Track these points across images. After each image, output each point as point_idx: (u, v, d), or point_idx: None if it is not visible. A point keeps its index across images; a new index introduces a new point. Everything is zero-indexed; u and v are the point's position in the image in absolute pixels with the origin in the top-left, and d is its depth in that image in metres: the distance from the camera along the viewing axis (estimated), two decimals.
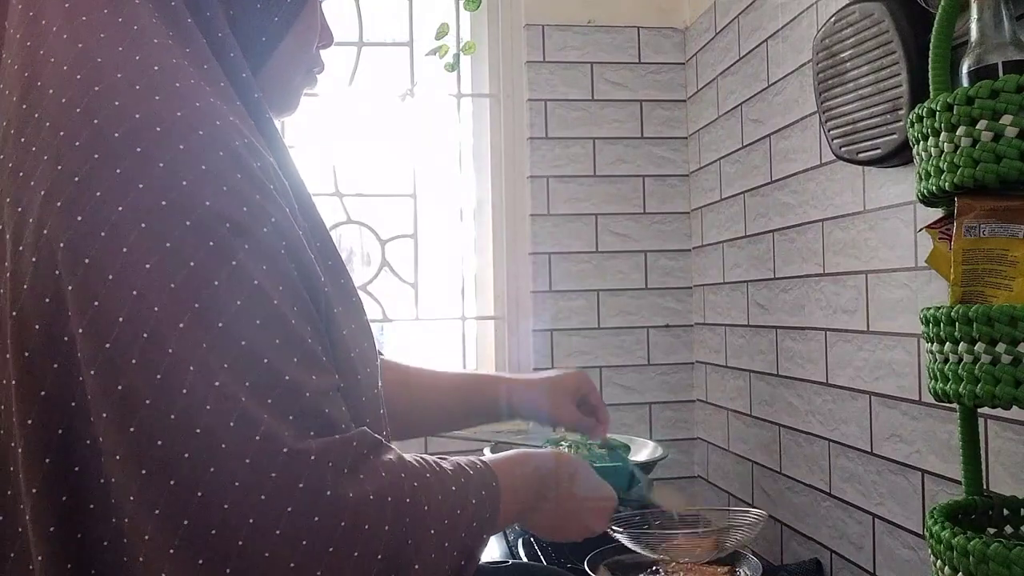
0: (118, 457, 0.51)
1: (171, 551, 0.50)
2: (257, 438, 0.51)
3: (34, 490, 0.52)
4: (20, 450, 0.53)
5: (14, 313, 0.53)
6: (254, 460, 0.51)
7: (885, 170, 1.14)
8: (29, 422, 0.52)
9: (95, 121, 0.54)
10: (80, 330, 0.51)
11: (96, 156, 0.53)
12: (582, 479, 0.90)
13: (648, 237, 1.89)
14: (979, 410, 0.86)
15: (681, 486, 1.85)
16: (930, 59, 0.83)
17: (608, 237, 1.88)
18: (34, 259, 0.53)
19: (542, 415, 1.13)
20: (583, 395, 1.14)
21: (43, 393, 0.52)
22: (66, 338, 0.52)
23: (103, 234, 0.52)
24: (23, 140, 0.55)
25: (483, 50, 1.94)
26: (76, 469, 0.53)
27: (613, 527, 1.08)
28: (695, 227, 1.88)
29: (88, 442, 0.52)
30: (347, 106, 1.91)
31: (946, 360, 0.75)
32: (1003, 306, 0.69)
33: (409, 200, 1.93)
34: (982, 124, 0.72)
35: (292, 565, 0.51)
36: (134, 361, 0.51)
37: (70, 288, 0.52)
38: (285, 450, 0.52)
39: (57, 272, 0.52)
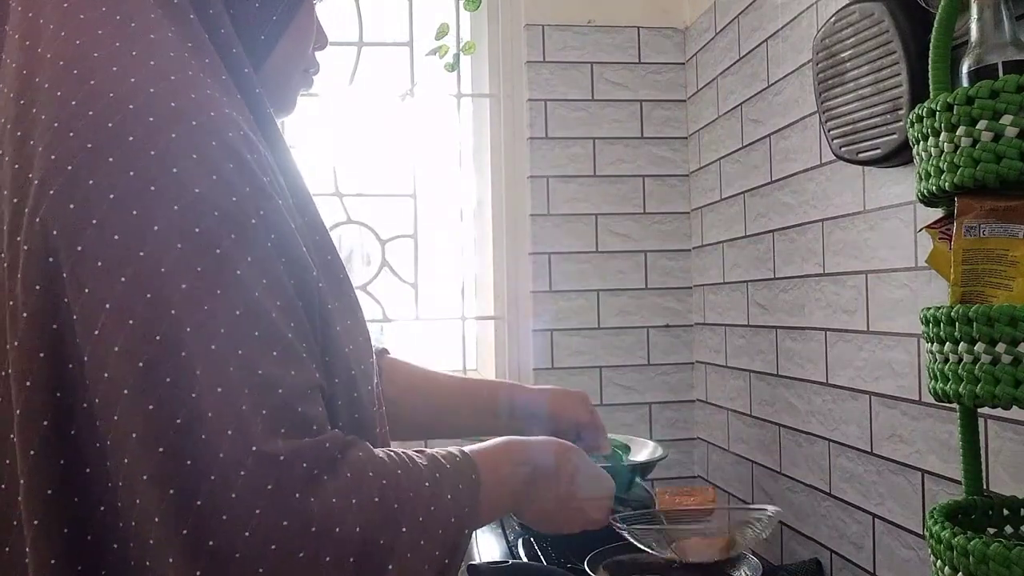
0: (108, 443, 0.52)
1: (150, 541, 0.51)
2: (230, 432, 0.52)
3: (22, 480, 0.53)
4: (15, 439, 0.53)
5: (11, 303, 0.54)
6: (227, 455, 0.51)
7: (885, 170, 1.14)
8: (18, 412, 0.53)
9: (89, 113, 0.55)
10: (74, 316, 0.52)
11: (89, 145, 0.54)
12: (581, 468, 0.87)
13: (648, 237, 1.89)
14: (979, 410, 0.86)
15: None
16: (930, 59, 0.83)
17: (608, 237, 1.88)
18: (27, 247, 0.54)
19: (541, 416, 1.12)
20: (584, 406, 1.14)
21: (28, 383, 0.53)
22: (55, 326, 0.53)
23: (95, 221, 0.53)
24: (19, 134, 0.56)
25: (483, 50, 1.94)
26: (61, 461, 0.53)
27: (620, 526, 1.07)
28: (695, 227, 1.88)
29: (73, 432, 0.53)
30: (347, 106, 1.91)
31: (946, 360, 0.75)
32: (1003, 306, 0.69)
33: (409, 200, 1.93)
34: (982, 124, 0.72)
35: (261, 570, 0.51)
36: (117, 348, 0.51)
37: (64, 275, 0.52)
38: (254, 448, 0.52)
39: (51, 259, 0.53)
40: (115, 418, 0.51)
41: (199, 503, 0.50)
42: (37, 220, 0.53)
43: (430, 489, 0.64)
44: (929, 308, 0.77)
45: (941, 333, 0.75)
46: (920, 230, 1.07)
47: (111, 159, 0.53)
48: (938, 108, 0.75)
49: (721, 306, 1.73)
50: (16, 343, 0.53)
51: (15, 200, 0.55)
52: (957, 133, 0.73)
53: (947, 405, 0.87)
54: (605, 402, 1.84)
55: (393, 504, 0.59)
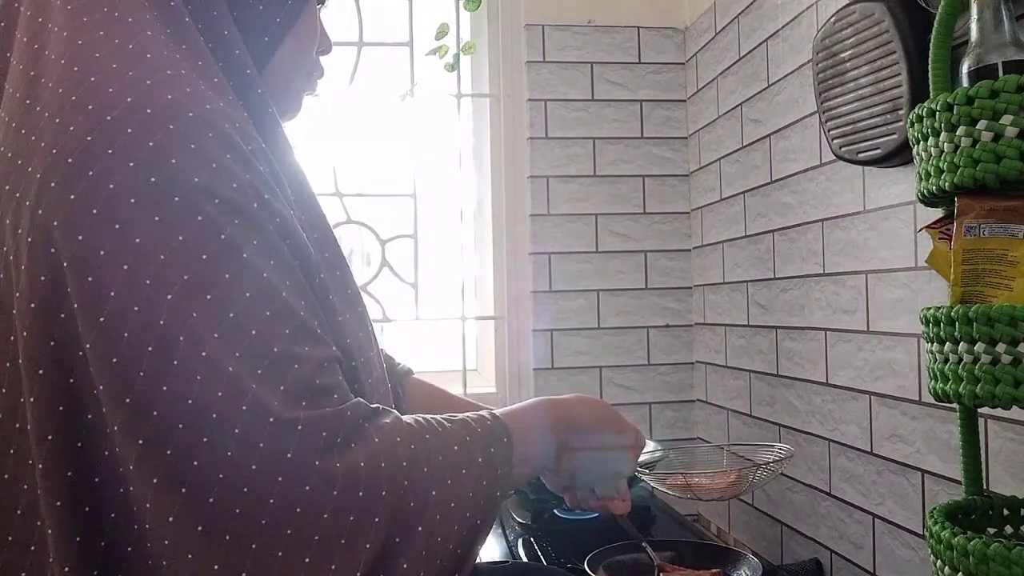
0: (116, 428, 0.52)
1: (170, 519, 0.51)
2: (245, 408, 0.52)
3: (40, 466, 0.54)
4: (29, 428, 0.54)
5: (18, 294, 0.55)
6: (243, 430, 0.52)
7: (885, 170, 1.14)
8: (31, 400, 0.54)
9: (89, 107, 0.55)
10: (76, 305, 0.53)
11: (89, 138, 0.54)
12: (608, 422, 0.87)
13: (648, 237, 1.89)
14: (979, 410, 0.86)
15: None
16: (930, 59, 0.83)
17: (608, 237, 1.88)
18: (30, 239, 0.54)
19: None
20: None
21: (41, 371, 0.53)
22: (63, 315, 0.53)
23: (95, 211, 0.53)
24: (23, 131, 0.57)
25: (483, 50, 1.94)
26: (79, 445, 0.54)
27: (641, 471, 1.06)
28: (695, 227, 1.88)
29: (90, 416, 0.54)
30: (347, 106, 1.91)
31: (946, 360, 0.75)
32: (1003, 306, 0.69)
33: (409, 200, 1.93)
34: (982, 124, 0.72)
35: (288, 532, 0.52)
36: (126, 334, 0.52)
37: (66, 265, 0.53)
38: (272, 420, 0.53)
39: (53, 250, 0.53)
40: (127, 401, 0.52)
41: (221, 476, 0.51)
42: (40, 212, 0.54)
43: (460, 452, 0.64)
44: (929, 308, 0.77)
45: (941, 333, 0.75)
46: (920, 230, 1.07)
47: (110, 151, 0.54)
48: (938, 108, 0.75)
49: (721, 306, 1.73)
50: (25, 333, 0.54)
51: (17, 194, 0.56)
52: (957, 133, 0.74)
53: (947, 405, 0.87)
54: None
55: (422, 468, 0.60)
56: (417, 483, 0.59)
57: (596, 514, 1.42)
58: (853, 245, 1.23)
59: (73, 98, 0.56)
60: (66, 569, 0.53)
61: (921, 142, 0.79)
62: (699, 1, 1.82)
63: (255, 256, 0.56)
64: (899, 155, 1.07)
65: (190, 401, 0.52)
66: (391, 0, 1.94)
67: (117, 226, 0.53)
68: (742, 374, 1.63)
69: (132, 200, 0.53)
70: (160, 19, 0.62)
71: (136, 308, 0.52)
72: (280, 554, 0.52)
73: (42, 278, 0.54)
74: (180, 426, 0.52)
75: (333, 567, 0.53)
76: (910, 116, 0.81)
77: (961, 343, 0.72)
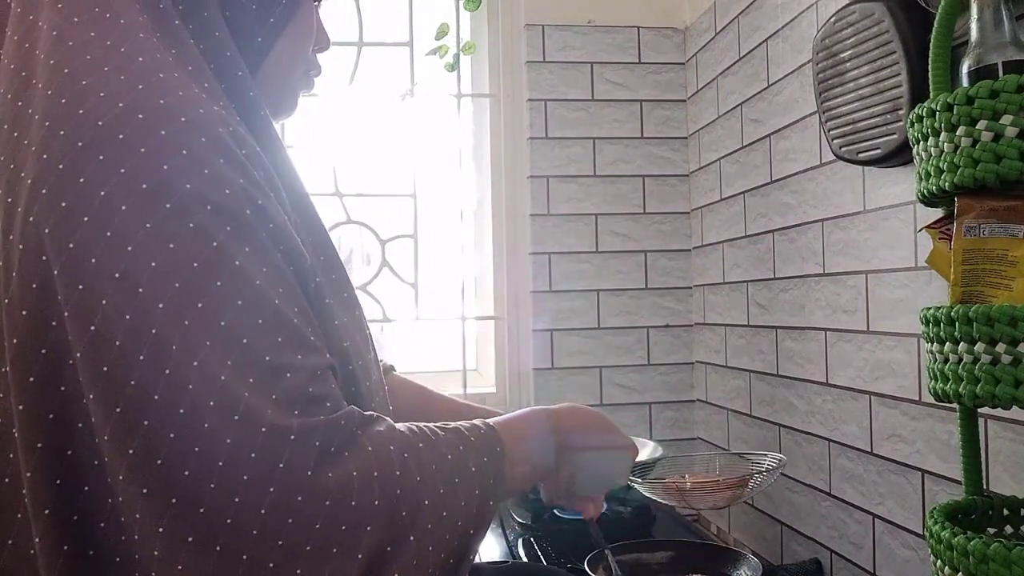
0: (107, 438, 0.52)
1: (160, 529, 0.51)
2: (237, 417, 0.52)
3: (28, 474, 0.53)
4: (17, 436, 0.54)
5: (6, 301, 0.54)
6: (235, 439, 0.52)
7: (885, 170, 1.14)
8: (21, 408, 0.53)
9: (80, 111, 0.55)
10: (67, 314, 0.52)
11: (80, 144, 0.54)
12: (601, 430, 0.87)
13: (648, 237, 1.89)
14: (979, 410, 0.86)
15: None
16: (930, 59, 0.83)
17: (608, 237, 1.88)
18: (21, 246, 0.54)
19: None
20: None
21: (32, 379, 0.53)
22: (54, 323, 0.53)
23: (86, 219, 0.53)
24: (16, 135, 0.57)
25: (483, 50, 1.94)
26: (69, 453, 0.53)
27: (634, 479, 1.06)
28: (695, 227, 1.88)
29: (80, 425, 0.53)
30: (347, 106, 1.91)
31: (946, 360, 0.75)
32: (1003, 306, 0.69)
33: (409, 200, 1.93)
34: (982, 124, 0.72)
35: (280, 543, 0.52)
36: (118, 343, 0.51)
37: (56, 273, 0.53)
38: (264, 429, 0.52)
39: (44, 258, 0.53)
40: (117, 410, 0.51)
41: (212, 486, 0.51)
42: (31, 219, 0.53)
43: (453, 461, 0.64)
44: (929, 308, 0.77)
45: (941, 333, 0.75)
46: (920, 230, 1.07)
47: (102, 157, 0.54)
48: (938, 108, 0.75)
49: (721, 306, 1.73)
50: (15, 341, 0.54)
51: (8, 199, 0.55)
52: (957, 133, 0.74)
53: (947, 405, 0.87)
54: (605, 402, 1.85)
55: (415, 477, 0.60)
56: (410, 492, 0.59)
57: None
58: (853, 245, 1.23)
59: (63, 101, 0.55)
60: None
61: (921, 142, 0.79)
62: (699, 1, 1.82)
63: (247, 263, 0.56)
64: (899, 155, 1.07)
65: (182, 410, 0.51)
66: (391, 0, 1.94)
67: (108, 233, 0.52)
68: (742, 374, 1.63)
69: (123, 207, 0.53)
70: (150, 21, 0.61)
71: (128, 316, 0.52)
72: (271, 565, 0.52)
73: (33, 285, 0.53)
74: (171, 436, 0.51)
75: None
76: (910, 116, 0.81)
77: (961, 343, 0.72)
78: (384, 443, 0.59)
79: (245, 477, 0.51)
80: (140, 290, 0.52)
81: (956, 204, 0.77)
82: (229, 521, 0.51)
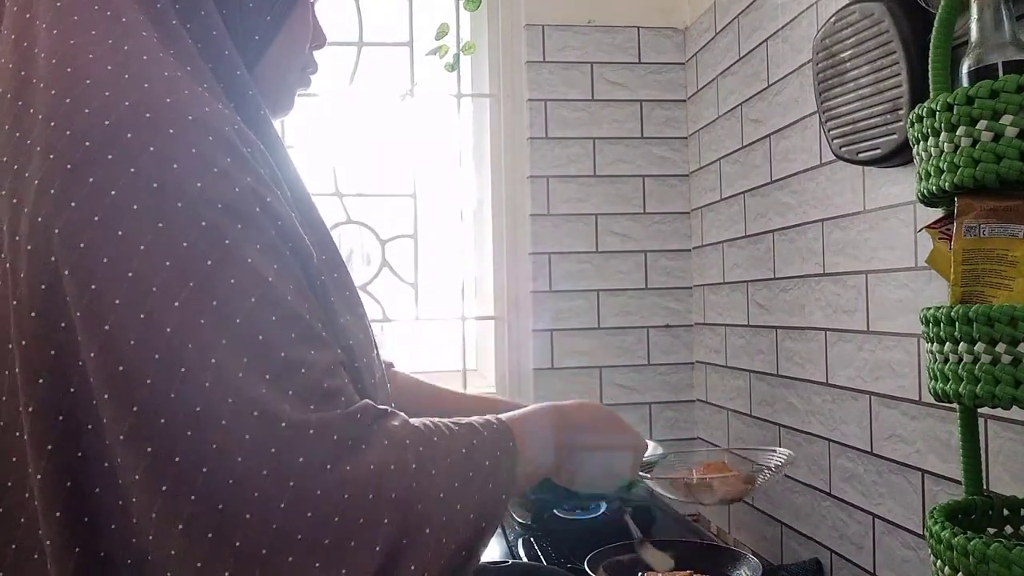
0: (122, 438, 0.52)
1: (180, 526, 0.51)
2: (255, 414, 0.52)
3: (39, 476, 0.53)
4: (25, 438, 0.54)
5: (14, 303, 0.54)
6: (254, 436, 0.52)
7: (885, 170, 1.14)
8: (31, 410, 0.53)
9: (86, 111, 0.55)
10: (78, 314, 0.52)
11: (88, 144, 0.54)
12: (609, 426, 0.88)
13: (648, 237, 1.89)
14: (979, 410, 0.86)
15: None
16: (930, 59, 0.83)
17: (608, 237, 1.88)
18: (29, 247, 0.53)
19: None
20: None
21: (41, 381, 0.53)
22: (63, 324, 0.53)
23: (97, 219, 0.52)
24: (18, 135, 0.56)
25: (483, 50, 1.94)
26: (79, 455, 0.53)
27: (644, 474, 1.07)
28: (695, 227, 1.88)
29: (90, 426, 0.53)
30: (347, 106, 1.91)
31: (946, 360, 0.75)
32: (1003, 306, 0.69)
33: (409, 200, 1.93)
34: (982, 124, 0.72)
35: (299, 537, 0.52)
36: (132, 342, 0.51)
37: (66, 273, 0.52)
38: (283, 424, 0.53)
39: (53, 258, 0.53)
40: (134, 408, 0.51)
41: (231, 482, 0.51)
42: (39, 220, 0.53)
43: (467, 456, 0.64)
44: (929, 308, 0.77)
45: (941, 333, 0.75)
46: (920, 230, 1.07)
47: (110, 156, 0.53)
48: (938, 108, 0.75)
49: (721, 306, 1.73)
50: (24, 342, 0.53)
51: (14, 200, 0.55)
52: (957, 133, 0.73)
53: (947, 405, 0.87)
54: (605, 402, 1.84)
55: (430, 471, 0.60)
56: (425, 485, 0.59)
57: (596, 514, 1.43)
58: (853, 245, 1.23)
59: (68, 100, 0.55)
60: None
61: (921, 142, 0.79)
62: (699, 1, 1.82)
63: (258, 261, 0.56)
64: (899, 155, 1.07)
65: (199, 408, 0.51)
66: (391, 0, 1.94)
67: (120, 233, 0.52)
68: (742, 374, 1.63)
69: (134, 207, 0.53)
70: (148, 21, 0.61)
71: (142, 316, 0.52)
72: (290, 559, 0.52)
73: (42, 287, 0.53)
74: (188, 434, 0.51)
75: (344, 571, 0.53)
76: (910, 116, 0.81)
77: (961, 343, 0.72)
78: (400, 437, 0.60)
79: (264, 472, 0.52)
80: (154, 289, 0.52)
81: (956, 204, 0.77)
82: (248, 516, 0.51)
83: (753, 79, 1.55)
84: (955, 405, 0.80)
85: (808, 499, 1.37)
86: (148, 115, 0.55)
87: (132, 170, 0.53)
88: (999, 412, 0.92)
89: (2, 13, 0.62)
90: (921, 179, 0.80)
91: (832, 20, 1.18)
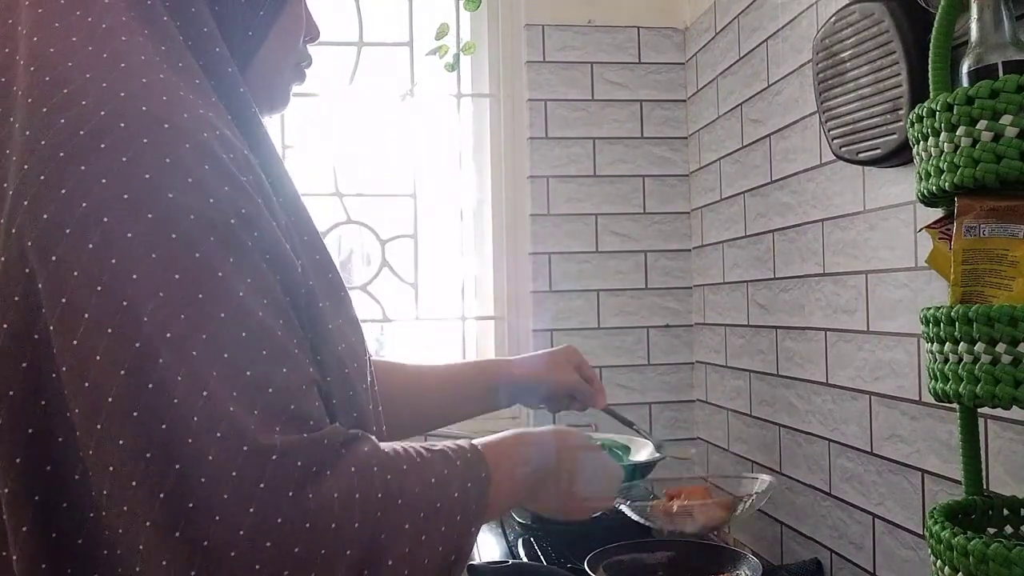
0: (91, 452, 0.51)
1: (140, 547, 0.50)
2: (219, 434, 0.51)
3: (6, 490, 0.52)
4: None
5: None
6: (217, 456, 0.50)
7: (885, 170, 1.14)
8: (0, 423, 0.52)
9: (61, 121, 0.54)
10: (51, 327, 0.51)
11: (61, 154, 0.53)
12: (585, 456, 0.88)
13: (648, 237, 1.89)
14: (979, 410, 0.86)
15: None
16: (930, 59, 0.83)
17: (608, 237, 1.88)
18: (3, 258, 0.53)
19: (542, 386, 1.15)
20: (576, 365, 1.19)
21: (11, 393, 0.52)
22: (36, 336, 0.52)
23: (68, 231, 0.52)
24: None
25: (483, 50, 1.94)
26: (48, 468, 0.52)
27: (622, 501, 1.07)
28: (695, 227, 1.88)
29: (60, 439, 0.52)
30: (347, 106, 1.91)
31: (946, 360, 0.75)
32: (1003, 306, 0.69)
33: (409, 200, 1.93)
34: (982, 124, 0.71)
35: (257, 567, 0.51)
36: (98, 357, 0.50)
37: (40, 286, 0.52)
38: (245, 448, 0.51)
39: (27, 270, 0.52)
40: (98, 427, 0.50)
41: (191, 505, 0.50)
42: (13, 231, 0.53)
43: (436, 485, 0.63)
44: (929, 308, 0.77)
45: (941, 333, 0.75)
46: (920, 230, 1.07)
47: (83, 167, 0.53)
48: (938, 108, 0.75)
49: (721, 306, 1.73)
50: None
51: None
52: (957, 133, 0.73)
53: (947, 405, 0.87)
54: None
55: (397, 500, 0.59)
56: (391, 515, 0.58)
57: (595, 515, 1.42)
58: (853, 245, 1.23)
59: (44, 110, 0.54)
60: None
61: (921, 142, 0.79)
62: (699, 1, 1.82)
63: (231, 275, 0.54)
64: (899, 155, 1.07)
65: (164, 426, 0.50)
66: (391, 0, 1.94)
67: (91, 246, 0.51)
68: (742, 374, 1.63)
69: (105, 219, 0.52)
70: (137, 20, 0.60)
71: (110, 330, 0.51)
72: None
73: (16, 298, 0.52)
74: (148, 456, 0.50)
75: None
76: (910, 116, 0.81)
77: (961, 343, 0.72)
78: (367, 464, 0.59)
79: (225, 496, 0.50)
80: (124, 303, 0.51)
81: (956, 204, 0.77)
82: (206, 543, 0.50)
83: (753, 79, 1.55)
84: (955, 405, 0.80)
85: (808, 499, 1.37)
86: (123, 124, 0.54)
87: (104, 181, 0.52)
88: (999, 412, 0.92)
89: None
90: (921, 179, 0.80)
91: (832, 20, 1.18)
